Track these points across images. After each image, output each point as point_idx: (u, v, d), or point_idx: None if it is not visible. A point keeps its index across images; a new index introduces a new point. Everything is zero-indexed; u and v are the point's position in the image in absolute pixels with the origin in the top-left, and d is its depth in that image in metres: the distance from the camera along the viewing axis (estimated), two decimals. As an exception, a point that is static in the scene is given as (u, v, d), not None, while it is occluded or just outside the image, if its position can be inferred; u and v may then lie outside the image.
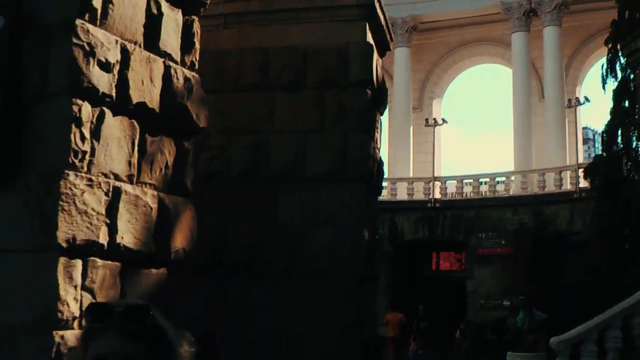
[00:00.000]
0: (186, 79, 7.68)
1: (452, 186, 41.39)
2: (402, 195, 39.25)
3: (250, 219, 11.01)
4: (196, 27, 8.01)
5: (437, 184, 39.98)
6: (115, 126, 6.80)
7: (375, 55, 12.54)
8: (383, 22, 13.15)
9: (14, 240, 6.37)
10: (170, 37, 7.57)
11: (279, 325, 10.45)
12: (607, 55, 27.41)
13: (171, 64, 7.53)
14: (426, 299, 32.64)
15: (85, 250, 6.40)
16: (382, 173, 13.23)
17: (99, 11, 6.61)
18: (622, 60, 25.68)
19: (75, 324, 6.29)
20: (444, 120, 44.04)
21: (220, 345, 10.43)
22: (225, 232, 10.94)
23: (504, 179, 40.71)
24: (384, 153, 13.39)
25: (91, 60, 6.50)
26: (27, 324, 6.20)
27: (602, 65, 28.26)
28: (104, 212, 6.58)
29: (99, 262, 6.55)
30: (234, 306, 10.69)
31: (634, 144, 25.53)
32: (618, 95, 25.82)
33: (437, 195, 39.38)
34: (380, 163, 13.06)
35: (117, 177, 6.80)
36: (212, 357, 10.08)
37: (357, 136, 11.74)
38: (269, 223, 10.90)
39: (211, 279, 10.69)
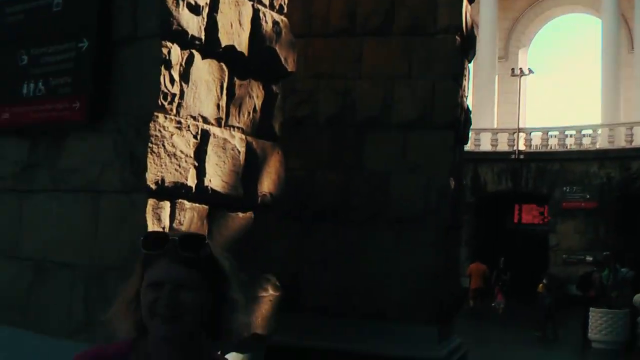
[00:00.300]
0: (275, 23, 7.57)
1: (536, 138, 40.67)
2: (485, 145, 38.77)
3: (336, 164, 10.90)
4: (285, -31, 7.87)
5: (522, 135, 39.33)
6: (204, 69, 6.76)
7: (465, 1, 12.20)
8: (472, -33, 12.77)
9: (105, 182, 6.42)
10: (259, -20, 7.46)
11: (364, 272, 10.39)
12: None
13: (260, 7, 7.42)
14: (508, 251, 32.35)
15: (173, 192, 6.41)
16: (469, 122, 12.96)
17: (189, -48, 6.53)
18: None
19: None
20: (530, 71, 43.16)
21: (306, 290, 10.45)
22: (312, 178, 10.87)
23: (590, 132, 39.82)
24: (468, 103, 13.06)
25: (181, 3, 6.43)
26: (116, 265, 6.26)
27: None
28: (192, 155, 6.57)
29: (187, 204, 6.56)
30: (319, 251, 10.65)
31: None
32: None
33: (522, 147, 38.75)
34: (467, 111, 12.79)
35: (205, 120, 6.77)
36: (298, 301, 10.12)
37: (445, 83, 11.50)
38: (355, 169, 10.77)
39: (298, 223, 10.68)
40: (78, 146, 6.66)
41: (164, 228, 6.30)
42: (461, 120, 12.00)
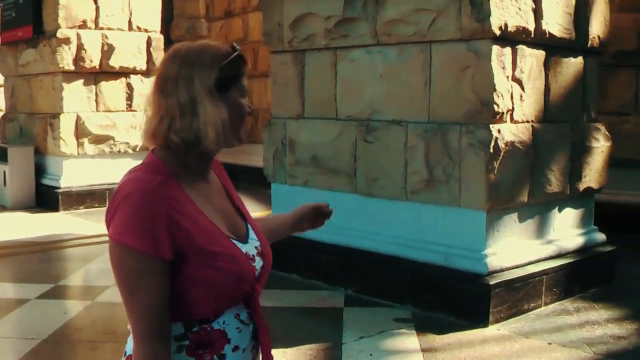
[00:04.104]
0: None
1: None
2: None
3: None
4: None
5: None
6: None
7: None
8: None
9: (438, 31, 5.97)
10: None
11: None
12: None
13: None
14: None
15: (514, 37, 5.88)
16: None
17: None
18: None
19: (508, 117, 5.87)
20: None
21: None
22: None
23: None
24: None
25: None
26: (459, 118, 5.88)
27: None
28: (530, -4, 6.00)
29: (527, 50, 6.02)
30: (620, 95, 9.77)
31: None
32: None
33: None
34: None
35: (536, -44, 6.13)
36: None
37: None
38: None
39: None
40: (405, -5, 6.21)
41: (507, 77, 5.82)
42: None
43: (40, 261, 8.32)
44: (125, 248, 1.70)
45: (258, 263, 1.93)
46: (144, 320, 1.74)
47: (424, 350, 5.17)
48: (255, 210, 11.46)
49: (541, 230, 6.39)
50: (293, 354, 5.07)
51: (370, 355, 5.09)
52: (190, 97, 1.80)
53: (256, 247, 1.95)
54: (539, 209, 6.33)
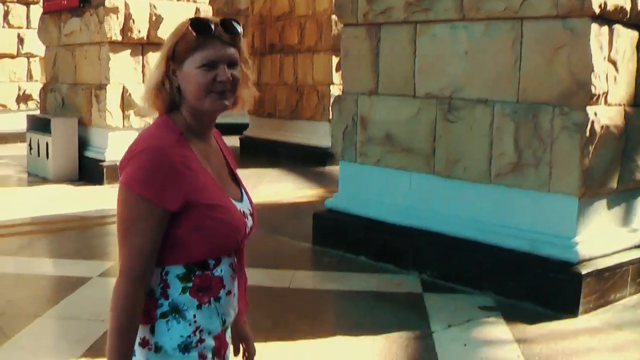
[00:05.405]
0: None
1: None
2: None
3: None
4: None
5: None
6: None
7: None
8: None
9: (531, 7, 5.71)
10: None
11: None
12: None
13: None
14: None
15: (611, 17, 5.61)
16: None
17: None
18: None
19: (603, 99, 5.62)
20: None
21: None
22: None
23: None
24: None
25: None
26: (551, 99, 5.63)
27: None
28: (628, -25, 5.73)
29: (622, 30, 5.76)
30: None
31: None
32: None
33: None
34: None
35: None
36: None
37: None
38: None
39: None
40: (496, -33, 5.94)
41: (604, 58, 5.56)
42: None
43: (93, 237, 8.16)
44: (133, 194, 1.93)
45: (249, 222, 2.17)
46: (132, 261, 1.97)
47: (518, 340, 4.96)
48: (304, 188, 11.27)
49: (627, 218, 6.16)
50: (383, 342, 4.86)
51: (465, 345, 4.88)
52: (157, 68, 2.09)
53: (248, 208, 2.19)
54: (625, 196, 6.09)
